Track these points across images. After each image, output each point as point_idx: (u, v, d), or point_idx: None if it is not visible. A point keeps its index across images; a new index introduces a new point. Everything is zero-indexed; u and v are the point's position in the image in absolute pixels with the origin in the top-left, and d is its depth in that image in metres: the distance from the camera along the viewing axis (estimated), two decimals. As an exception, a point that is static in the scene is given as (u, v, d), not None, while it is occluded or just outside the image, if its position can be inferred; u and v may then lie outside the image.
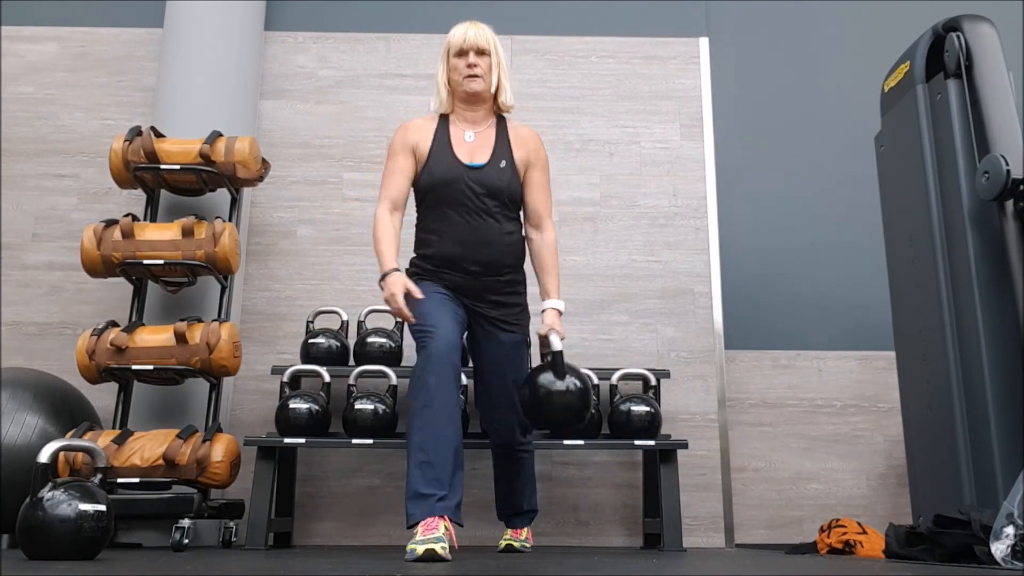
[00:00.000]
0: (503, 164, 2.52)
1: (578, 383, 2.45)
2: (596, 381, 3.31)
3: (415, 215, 2.61)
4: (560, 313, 2.57)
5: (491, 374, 2.61)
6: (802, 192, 4.00)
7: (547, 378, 2.44)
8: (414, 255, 2.59)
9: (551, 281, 2.60)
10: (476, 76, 2.50)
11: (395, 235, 2.48)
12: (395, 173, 2.53)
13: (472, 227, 2.47)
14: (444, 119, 2.59)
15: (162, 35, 3.78)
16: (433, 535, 2.15)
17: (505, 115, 2.64)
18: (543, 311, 2.58)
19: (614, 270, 3.82)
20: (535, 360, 2.65)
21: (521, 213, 2.64)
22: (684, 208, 3.90)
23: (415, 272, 2.55)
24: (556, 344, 2.47)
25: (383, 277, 2.39)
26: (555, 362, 2.46)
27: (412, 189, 2.58)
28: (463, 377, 3.32)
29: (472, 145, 2.54)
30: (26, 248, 3.77)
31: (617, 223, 3.87)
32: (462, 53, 2.52)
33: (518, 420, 2.63)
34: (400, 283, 2.35)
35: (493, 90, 2.55)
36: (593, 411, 3.20)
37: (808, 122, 4.08)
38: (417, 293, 2.36)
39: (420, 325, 2.37)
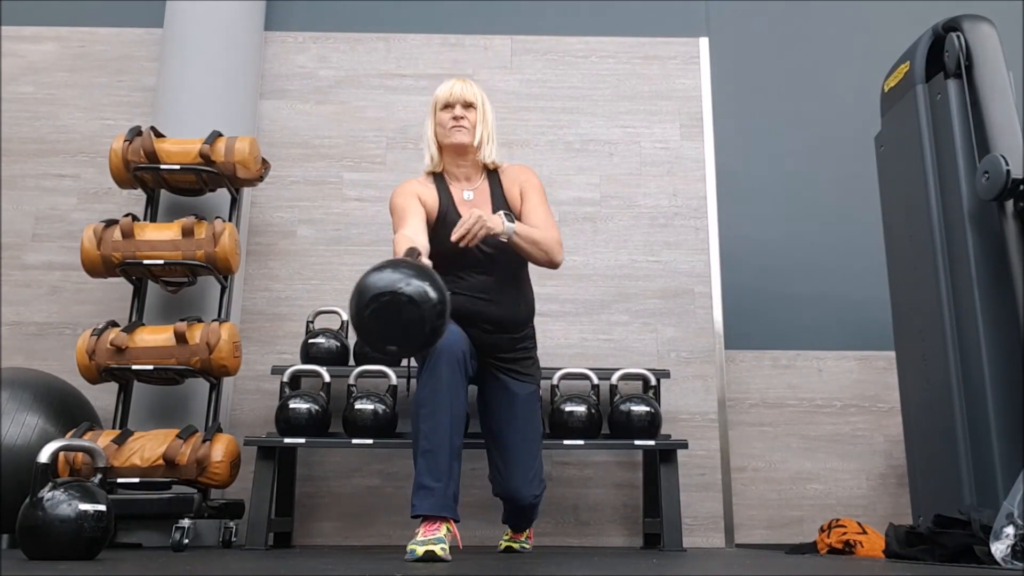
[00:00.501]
0: (504, 215, 2.48)
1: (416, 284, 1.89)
2: (596, 381, 3.31)
3: None
4: (500, 219, 2.34)
5: (506, 430, 2.55)
6: (802, 192, 4.00)
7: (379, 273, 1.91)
8: None
9: (523, 223, 2.44)
10: (461, 127, 2.49)
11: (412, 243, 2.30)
12: (409, 212, 2.39)
13: (484, 286, 2.47)
14: (440, 179, 2.57)
15: (162, 35, 3.78)
16: (433, 536, 2.16)
17: (496, 167, 2.61)
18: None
19: (614, 270, 3.82)
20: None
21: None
22: (684, 208, 3.90)
23: None
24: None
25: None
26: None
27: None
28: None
29: (473, 204, 2.53)
30: (26, 248, 3.77)
31: (617, 223, 3.87)
32: (448, 106, 2.52)
33: (529, 471, 2.54)
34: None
35: (477, 143, 2.52)
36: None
37: (808, 122, 4.08)
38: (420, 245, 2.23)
39: None
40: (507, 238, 2.37)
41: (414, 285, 1.87)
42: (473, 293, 2.47)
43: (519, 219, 2.52)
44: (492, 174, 2.60)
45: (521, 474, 2.53)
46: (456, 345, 2.31)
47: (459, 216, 2.44)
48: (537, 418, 2.60)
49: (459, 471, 2.30)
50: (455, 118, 2.50)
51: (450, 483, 2.26)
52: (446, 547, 2.15)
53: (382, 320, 1.88)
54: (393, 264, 1.93)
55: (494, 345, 2.53)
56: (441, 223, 2.47)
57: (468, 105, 2.52)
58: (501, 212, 2.41)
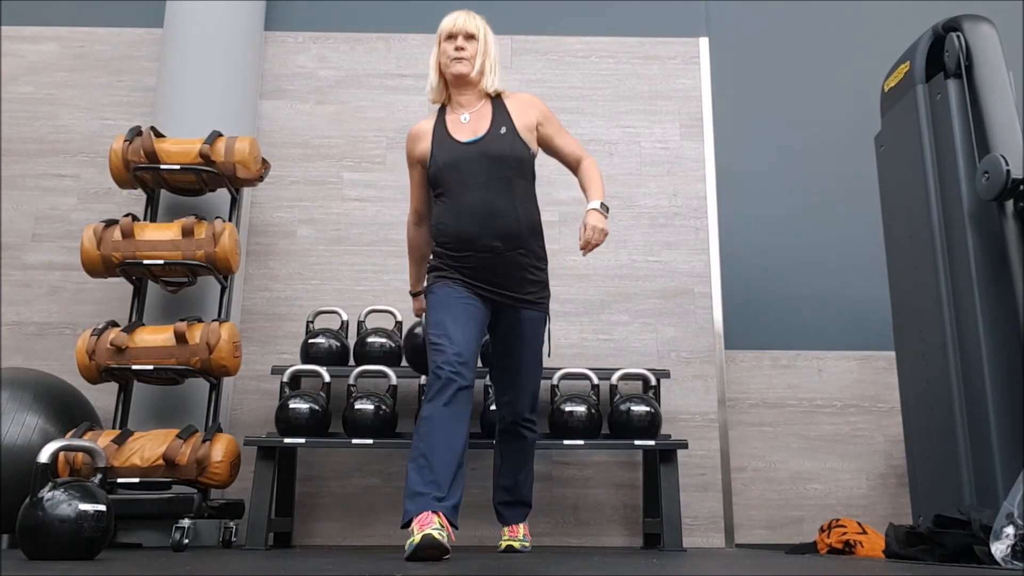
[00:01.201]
0: (503, 131, 2.56)
1: None
2: (596, 381, 3.31)
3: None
4: (601, 212, 2.55)
5: (510, 352, 2.64)
6: (802, 192, 4.00)
7: None
8: (434, 244, 2.59)
9: (594, 189, 2.63)
10: (462, 59, 2.58)
11: (420, 248, 2.76)
12: (414, 185, 2.72)
13: (484, 201, 2.48)
14: (442, 111, 2.67)
15: (162, 35, 3.78)
16: (429, 527, 2.14)
17: (499, 93, 2.67)
18: (587, 211, 2.58)
19: (614, 270, 3.82)
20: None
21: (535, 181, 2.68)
22: (684, 208, 3.90)
23: (436, 267, 2.55)
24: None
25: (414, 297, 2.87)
26: None
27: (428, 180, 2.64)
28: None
29: (469, 124, 2.59)
30: (26, 248, 3.77)
31: (617, 223, 3.87)
32: (451, 37, 2.62)
33: (530, 397, 2.70)
34: (417, 307, 2.80)
35: (477, 73, 2.61)
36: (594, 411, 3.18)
37: (808, 122, 4.08)
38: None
39: (434, 333, 2.39)
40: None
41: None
42: (472, 212, 2.48)
43: (545, 147, 2.70)
44: (496, 99, 2.66)
45: (522, 395, 2.68)
46: (464, 371, 2.33)
47: (451, 138, 2.57)
48: (540, 344, 2.68)
49: (461, 486, 2.29)
50: (457, 48, 2.60)
51: (450, 494, 2.24)
52: (443, 532, 2.13)
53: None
54: None
55: (504, 266, 2.51)
56: (436, 148, 2.57)
57: (470, 36, 2.61)
58: (597, 203, 2.56)
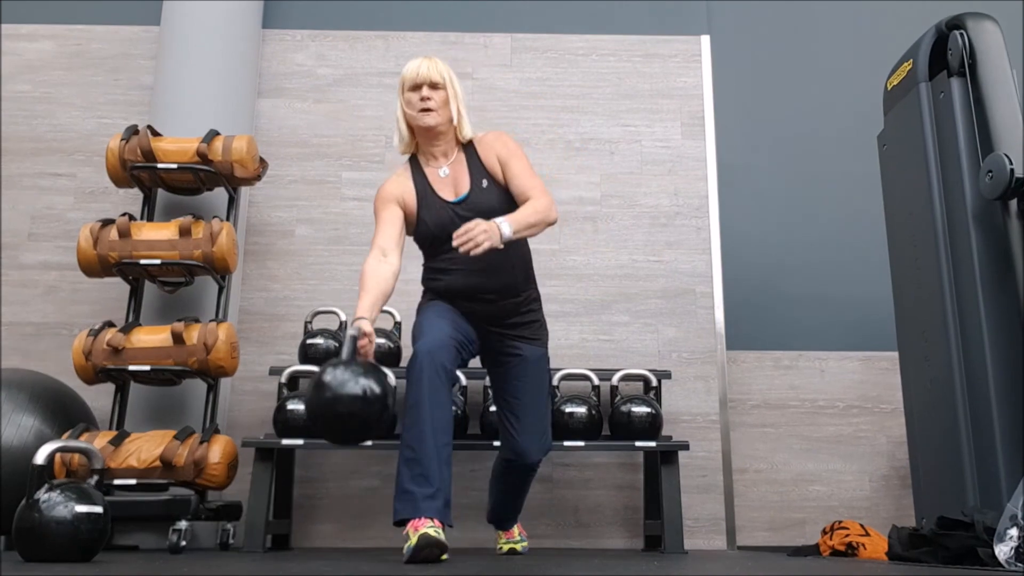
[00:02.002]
0: (484, 184, 2.48)
1: (364, 386, 2.08)
2: (597, 382, 3.30)
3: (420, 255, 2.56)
4: (498, 226, 2.27)
5: (518, 394, 2.54)
6: (804, 191, 3.98)
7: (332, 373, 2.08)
8: (425, 290, 2.55)
9: (514, 213, 2.37)
10: (429, 110, 2.46)
11: (376, 285, 2.34)
12: (383, 222, 2.46)
13: (481, 260, 2.41)
14: (415, 164, 2.55)
15: (159, 33, 3.76)
16: (424, 527, 2.12)
17: (471, 139, 2.57)
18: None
19: (615, 270, 3.80)
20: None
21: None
22: (685, 207, 3.88)
23: (430, 298, 2.52)
24: (352, 329, 2.20)
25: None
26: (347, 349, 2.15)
27: (413, 239, 2.53)
28: (462, 378, 3.31)
29: (450, 180, 2.50)
30: (22, 248, 3.75)
31: (618, 223, 3.85)
32: (415, 87, 2.49)
33: (544, 436, 2.57)
34: (357, 328, 2.28)
35: (455, 119, 2.50)
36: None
37: (810, 121, 4.06)
38: (367, 327, 2.27)
39: (416, 331, 2.37)
40: (507, 238, 2.34)
41: (351, 403, 2.06)
42: (468, 267, 2.43)
43: (504, 186, 2.48)
44: (467, 147, 2.57)
45: (530, 435, 2.56)
46: (438, 352, 2.28)
47: (437, 197, 2.46)
48: (546, 380, 2.61)
49: (449, 478, 2.26)
50: (423, 99, 2.47)
51: (439, 490, 2.22)
52: (440, 531, 2.12)
53: (332, 430, 2.11)
54: (327, 385, 2.06)
55: (499, 313, 2.50)
56: (424, 207, 2.46)
57: (434, 86, 2.49)
58: (496, 220, 2.31)
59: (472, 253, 2.22)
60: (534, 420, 2.55)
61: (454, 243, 2.24)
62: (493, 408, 3.18)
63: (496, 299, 2.48)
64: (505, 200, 2.48)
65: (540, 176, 2.60)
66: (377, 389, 2.08)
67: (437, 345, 2.29)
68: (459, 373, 3.26)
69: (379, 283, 2.34)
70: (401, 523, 2.18)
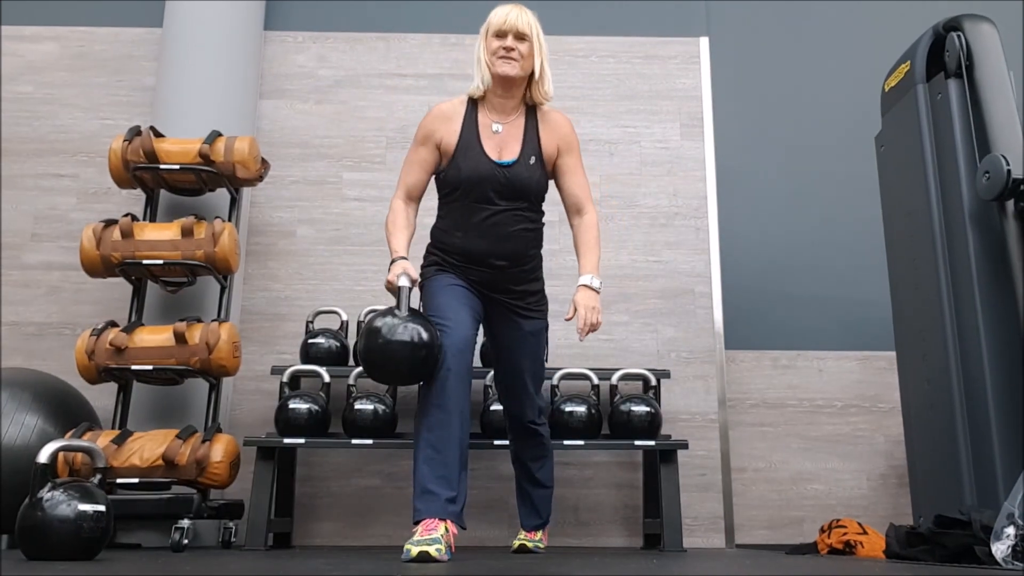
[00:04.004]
0: (532, 161, 2.45)
1: (410, 328, 2.23)
2: (596, 381, 3.31)
3: (435, 201, 2.56)
4: (593, 290, 2.45)
5: (512, 361, 2.61)
6: (802, 192, 4.00)
7: (382, 321, 2.27)
8: (432, 243, 2.54)
9: (588, 259, 2.50)
10: (511, 59, 2.40)
11: (407, 225, 2.48)
12: (414, 164, 2.49)
13: (498, 223, 2.43)
14: (473, 106, 2.49)
15: (161, 35, 3.78)
16: (430, 536, 2.14)
17: (539, 104, 2.53)
18: (577, 287, 2.48)
19: (614, 270, 3.81)
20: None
21: (544, 205, 2.60)
22: (684, 208, 3.89)
23: (436, 262, 2.50)
24: (404, 281, 2.32)
25: (392, 264, 2.38)
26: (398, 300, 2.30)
27: (435, 180, 2.52)
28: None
29: (500, 138, 2.45)
30: (25, 248, 3.76)
31: (617, 223, 3.87)
32: (500, 35, 2.42)
33: (535, 403, 2.67)
34: (401, 268, 2.35)
35: (536, 74, 2.45)
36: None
37: (808, 122, 4.08)
38: (414, 274, 2.36)
39: (436, 318, 2.35)
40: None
41: (408, 341, 2.22)
42: (483, 232, 2.43)
43: (551, 173, 2.56)
44: (530, 111, 2.52)
45: (522, 400, 2.65)
46: (466, 352, 2.31)
47: (483, 151, 2.42)
48: (542, 351, 2.66)
49: (466, 483, 2.29)
50: (506, 48, 2.41)
51: (459, 493, 2.24)
52: (441, 548, 2.13)
53: (382, 368, 2.28)
54: (390, 327, 2.24)
55: (505, 280, 2.50)
56: (462, 154, 2.42)
57: (521, 36, 2.42)
58: (588, 277, 2.47)
59: (592, 331, 2.42)
60: (524, 389, 2.64)
61: (579, 338, 2.43)
62: (494, 408, 3.19)
63: (507, 266, 2.47)
64: (543, 181, 2.51)
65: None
66: (426, 336, 2.23)
67: (464, 345, 2.31)
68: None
69: (409, 224, 2.49)
70: (419, 522, 2.20)
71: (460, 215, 2.46)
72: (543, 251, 2.63)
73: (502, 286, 2.51)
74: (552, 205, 3.78)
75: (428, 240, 2.57)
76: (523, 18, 2.44)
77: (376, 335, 2.24)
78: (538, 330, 2.60)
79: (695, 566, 2.17)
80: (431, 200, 2.58)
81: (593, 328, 2.42)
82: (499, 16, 2.44)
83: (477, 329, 2.46)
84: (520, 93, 2.49)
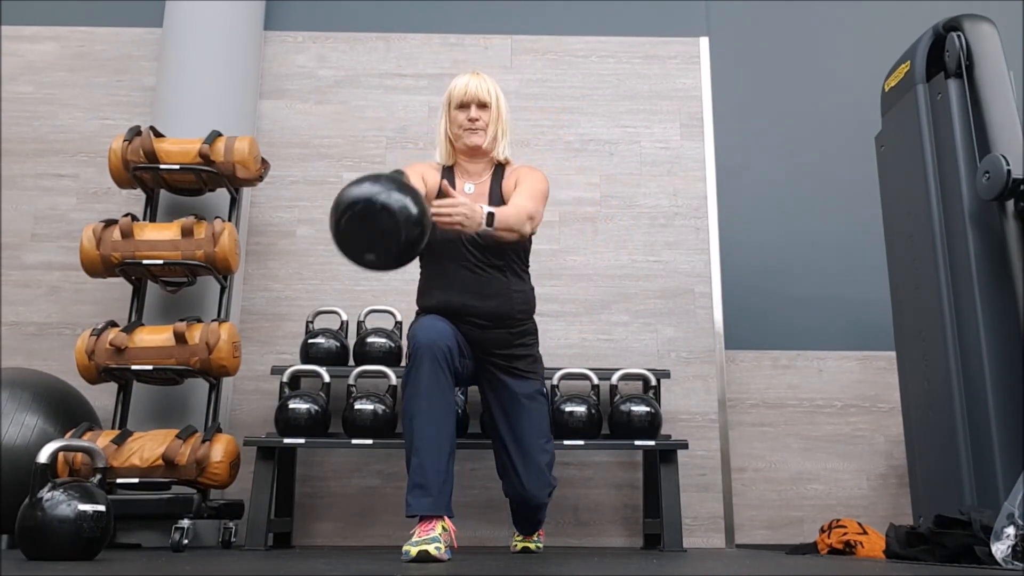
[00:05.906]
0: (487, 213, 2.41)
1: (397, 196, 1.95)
2: (596, 381, 3.31)
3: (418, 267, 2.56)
4: (480, 210, 2.21)
5: (511, 431, 2.49)
6: (802, 192, 4.00)
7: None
8: (417, 299, 2.54)
9: (502, 207, 2.33)
10: (477, 130, 2.46)
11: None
12: (415, 175, 2.44)
13: (477, 279, 2.42)
14: (448, 171, 2.56)
15: (161, 35, 3.78)
16: (428, 536, 2.15)
17: (506, 162, 2.57)
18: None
19: (614, 270, 3.81)
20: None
21: (529, 267, 2.58)
22: (684, 208, 3.89)
23: (423, 313, 2.51)
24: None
25: None
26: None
27: None
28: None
29: (471, 197, 2.48)
30: (25, 248, 3.76)
31: (617, 223, 3.87)
32: (463, 106, 2.48)
33: (545, 476, 2.50)
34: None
35: (490, 143, 2.50)
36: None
37: (808, 122, 4.08)
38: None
39: (413, 328, 2.38)
40: (483, 230, 2.26)
41: (391, 196, 1.93)
42: (462, 287, 2.43)
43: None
44: (498, 169, 2.57)
45: (531, 476, 2.47)
46: (440, 341, 2.28)
47: None
48: (543, 417, 2.53)
49: (452, 469, 2.28)
50: (470, 119, 2.46)
51: (445, 482, 2.24)
52: (441, 546, 2.14)
53: (358, 228, 1.94)
54: (373, 177, 1.99)
55: (490, 341, 2.48)
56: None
57: (483, 105, 2.48)
58: (483, 208, 2.25)
59: (440, 226, 2.16)
60: (530, 462, 2.47)
61: (432, 211, 2.12)
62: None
63: (489, 326, 2.45)
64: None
65: (545, 166, 2.59)
66: (414, 210, 1.95)
67: (437, 335, 2.28)
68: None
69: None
70: (414, 516, 2.23)
71: (438, 273, 2.48)
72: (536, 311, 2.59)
73: (487, 347, 2.48)
74: (552, 205, 3.81)
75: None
76: (483, 86, 2.48)
77: (364, 194, 1.94)
78: (533, 392, 2.50)
79: (695, 566, 2.17)
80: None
81: (447, 215, 2.16)
82: (459, 87, 2.48)
83: (458, 337, 2.41)
84: (489, 157, 2.55)
